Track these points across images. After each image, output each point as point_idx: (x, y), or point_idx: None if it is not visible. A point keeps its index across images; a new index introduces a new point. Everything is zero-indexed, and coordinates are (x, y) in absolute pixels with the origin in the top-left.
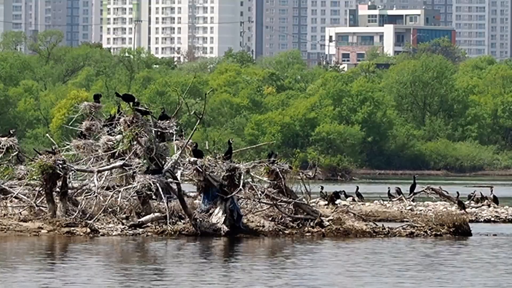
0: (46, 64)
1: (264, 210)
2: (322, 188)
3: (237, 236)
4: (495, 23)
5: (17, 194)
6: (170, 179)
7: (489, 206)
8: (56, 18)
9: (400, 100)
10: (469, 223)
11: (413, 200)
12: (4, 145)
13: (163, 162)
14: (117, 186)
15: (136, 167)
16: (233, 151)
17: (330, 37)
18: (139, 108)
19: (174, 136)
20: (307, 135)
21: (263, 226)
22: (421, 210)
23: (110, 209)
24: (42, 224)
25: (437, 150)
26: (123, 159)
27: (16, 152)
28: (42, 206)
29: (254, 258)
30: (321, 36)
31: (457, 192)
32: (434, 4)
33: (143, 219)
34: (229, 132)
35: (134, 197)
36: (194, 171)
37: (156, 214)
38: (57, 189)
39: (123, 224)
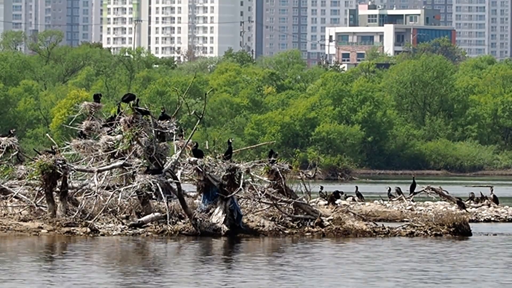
0: (46, 64)
1: (264, 210)
2: (322, 188)
3: (237, 236)
4: (495, 23)
5: (17, 194)
6: (170, 179)
7: (489, 206)
8: (56, 18)
9: (400, 100)
10: (469, 222)
11: (413, 200)
12: (4, 145)
13: (163, 162)
14: (117, 186)
15: (136, 167)
16: (233, 151)
17: (330, 37)
18: (139, 108)
19: (174, 136)
20: (307, 135)
21: (263, 226)
22: (421, 210)
23: (110, 209)
24: (42, 224)
25: (437, 150)
26: (123, 159)
27: (16, 152)
28: (42, 206)
29: (254, 258)
30: (321, 36)
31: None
32: (434, 4)
33: (143, 219)
34: (229, 132)
35: (134, 197)
36: (194, 171)
37: (156, 214)
38: (57, 189)
39: (123, 224)
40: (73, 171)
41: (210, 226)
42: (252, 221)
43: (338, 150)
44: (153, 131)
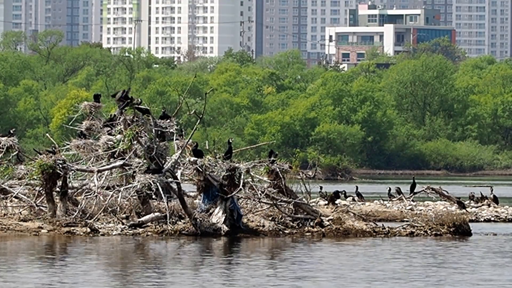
0: (46, 64)
1: (264, 210)
2: (321, 188)
3: (237, 235)
4: (495, 23)
5: (17, 194)
6: (170, 179)
7: (489, 206)
8: (56, 18)
9: (400, 100)
10: (469, 222)
11: (413, 200)
12: (4, 145)
13: (163, 162)
14: (117, 185)
15: (136, 166)
16: (233, 151)
17: (330, 37)
18: (140, 107)
19: (174, 135)
20: (307, 135)
21: (263, 226)
22: (421, 210)
23: (110, 209)
24: (42, 224)
25: (437, 150)
26: (123, 159)
27: (16, 152)
28: (42, 206)
29: (254, 258)
30: (321, 36)
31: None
32: (434, 4)
33: (143, 218)
34: (229, 132)
35: (134, 197)
36: (194, 171)
37: (156, 213)
38: (57, 189)
39: (123, 223)
40: (73, 171)
41: (210, 226)
42: (252, 221)
43: (338, 150)
44: (153, 131)
